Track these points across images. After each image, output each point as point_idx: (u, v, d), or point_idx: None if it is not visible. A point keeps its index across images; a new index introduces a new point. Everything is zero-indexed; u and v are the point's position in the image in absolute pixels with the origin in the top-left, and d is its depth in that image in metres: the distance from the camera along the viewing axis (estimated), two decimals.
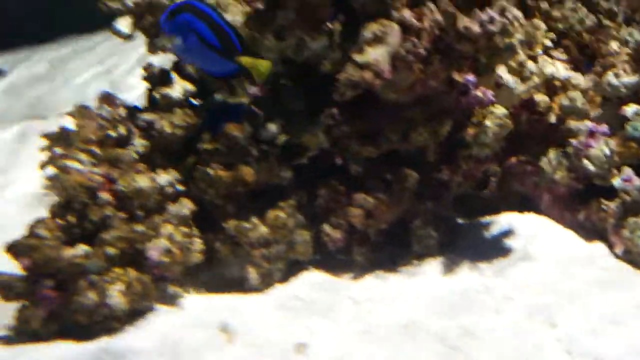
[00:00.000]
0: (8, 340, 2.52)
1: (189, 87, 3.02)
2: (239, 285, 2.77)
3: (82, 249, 2.56)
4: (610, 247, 3.01)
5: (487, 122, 2.96)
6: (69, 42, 7.50)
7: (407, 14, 2.71)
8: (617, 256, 2.95)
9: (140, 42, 3.11)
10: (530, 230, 3.05)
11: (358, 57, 2.65)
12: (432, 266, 2.86)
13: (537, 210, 3.25)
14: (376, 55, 2.66)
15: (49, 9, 7.56)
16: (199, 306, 2.65)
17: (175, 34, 2.72)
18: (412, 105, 2.78)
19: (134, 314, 2.57)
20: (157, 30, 2.95)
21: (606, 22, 3.33)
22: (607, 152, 2.99)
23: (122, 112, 3.07)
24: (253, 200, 2.83)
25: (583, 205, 3.14)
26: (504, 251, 2.95)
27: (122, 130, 3.04)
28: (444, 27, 2.69)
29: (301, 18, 2.76)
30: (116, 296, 2.53)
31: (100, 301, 2.50)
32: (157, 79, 3.05)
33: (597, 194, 3.08)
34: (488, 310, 2.57)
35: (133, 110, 3.07)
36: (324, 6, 2.74)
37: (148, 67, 3.16)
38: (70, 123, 3.17)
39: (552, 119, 3.14)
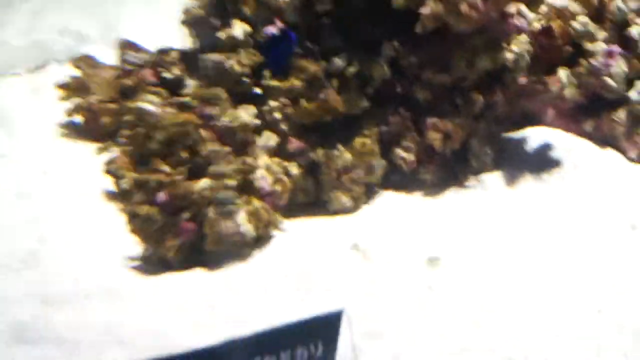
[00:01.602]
0: (147, 270, 3.04)
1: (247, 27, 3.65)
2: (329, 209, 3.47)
3: (206, 182, 3.15)
4: (623, 152, 3.99)
5: (516, 48, 3.84)
6: None
7: None
8: (630, 159, 3.95)
9: None
10: (562, 142, 3.93)
11: None
12: (496, 179, 3.68)
13: (542, 124, 4.11)
14: None
15: None
16: (310, 230, 3.31)
17: None
18: (473, 35, 3.54)
19: (261, 240, 3.20)
20: None
21: None
22: (625, 68, 3.97)
23: (172, 56, 3.70)
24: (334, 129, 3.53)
25: (589, 117, 4.07)
26: (553, 162, 3.81)
27: (176, 71, 3.66)
28: None
29: None
30: (246, 224, 3.17)
31: (234, 230, 3.13)
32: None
33: (602, 107, 4.05)
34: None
35: (187, 54, 3.70)
36: None
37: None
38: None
39: (563, 42, 4.09)
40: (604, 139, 4.07)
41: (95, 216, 3.34)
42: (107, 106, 3.85)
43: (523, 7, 3.67)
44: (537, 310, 2.84)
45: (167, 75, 3.62)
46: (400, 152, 3.57)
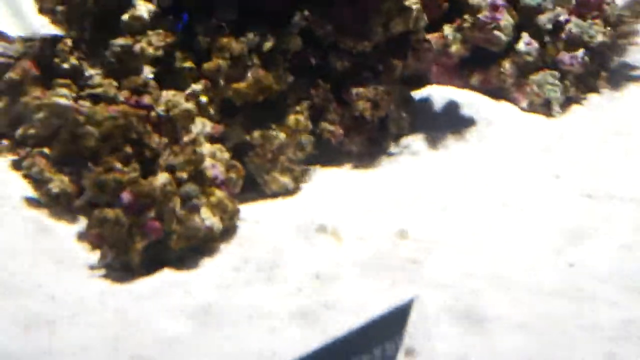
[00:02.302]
0: (114, 275, 2.99)
1: (151, 7, 3.58)
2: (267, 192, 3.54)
3: (164, 176, 3.09)
4: (515, 103, 4.41)
5: (414, 8, 4.05)
6: None
7: None
8: (522, 109, 4.38)
9: None
10: (462, 99, 4.32)
11: None
12: (419, 143, 3.95)
13: (428, 82, 4.40)
14: None
15: None
16: (266, 216, 3.35)
17: None
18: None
19: (227, 232, 3.21)
20: None
21: None
22: (512, 21, 4.34)
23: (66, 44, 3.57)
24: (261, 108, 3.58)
25: (475, 71, 4.45)
26: (467, 121, 4.16)
27: (73, 61, 3.55)
28: None
29: None
30: (212, 217, 3.16)
31: (201, 224, 3.11)
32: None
33: (486, 60, 4.43)
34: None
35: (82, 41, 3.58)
36: None
37: None
38: None
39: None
40: (492, 91, 4.46)
41: (31, 226, 3.22)
42: None
43: None
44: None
45: (64, 65, 3.52)
46: (327, 125, 3.70)
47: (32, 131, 3.44)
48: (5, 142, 3.66)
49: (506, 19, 4.25)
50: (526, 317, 2.70)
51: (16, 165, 3.54)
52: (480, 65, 4.47)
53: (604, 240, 3.26)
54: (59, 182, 3.27)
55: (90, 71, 3.48)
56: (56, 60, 3.53)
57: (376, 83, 3.75)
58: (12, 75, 3.58)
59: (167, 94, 3.32)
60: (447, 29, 4.29)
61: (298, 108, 3.60)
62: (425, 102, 4.31)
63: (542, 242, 3.23)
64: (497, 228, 3.34)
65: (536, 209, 3.49)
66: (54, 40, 3.59)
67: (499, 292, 2.88)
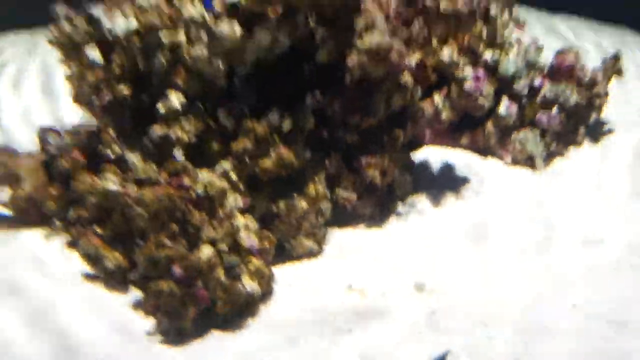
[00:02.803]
0: (170, 340, 3.25)
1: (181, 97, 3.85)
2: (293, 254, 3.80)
3: (208, 249, 3.37)
4: (500, 158, 4.75)
5: (408, 82, 4.36)
6: None
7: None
8: (507, 164, 4.72)
9: None
10: (455, 159, 4.67)
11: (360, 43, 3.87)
12: (424, 203, 4.23)
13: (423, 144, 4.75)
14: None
15: None
16: (296, 278, 3.63)
17: None
18: (384, 80, 3.97)
19: (266, 295, 3.48)
20: None
21: None
22: (492, 88, 4.65)
23: (109, 134, 3.84)
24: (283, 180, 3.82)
25: (463, 133, 4.79)
26: (462, 179, 4.47)
27: (116, 148, 3.82)
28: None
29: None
30: (252, 283, 3.41)
31: (243, 290, 3.36)
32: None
33: (472, 123, 4.76)
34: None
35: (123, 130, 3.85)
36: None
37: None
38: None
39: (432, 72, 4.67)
40: (480, 150, 4.81)
41: (94, 299, 3.49)
42: (49, 191, 3.95)
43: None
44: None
45: (109, 152, 3.78)
46: (342, 192, 3.98)
47: (83, 213, 3.73)
48: (58, 222, 3.94)
49: (487, 88, 4.56)
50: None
51: (71, 244, 3.83)
52: (467, 127, 4.82)
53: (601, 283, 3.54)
54: (113, 259, 3.53)
55: (131, 156, 3.71)
56: (101, 149, 3.78)
57: (382, 152, 4.02)
58: (63, 164, 3.87)
59: (204, 175, 3.57)
60: (437, 98, 4.61)
61: (316, 179, 3.86)
62: (423, 163, 4.62)
63: (542, 287, 3.52)
64: (501, 277, 3.61)
65: (533, 258, 3.77)
66: (98, 131, 3.86)
67: (513, 334, 3.19)
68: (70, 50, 3.85)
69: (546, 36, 7.77)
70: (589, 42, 7.68)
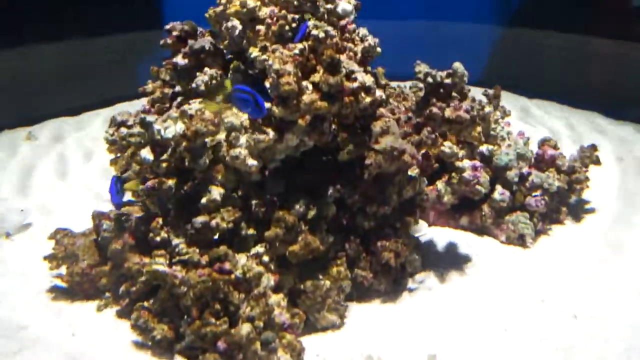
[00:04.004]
0: None
1: (221, 190, 3.94)
2: (317, 326, 3.84)
3: (247, 326, 3.43)
4: (495, 237, 4.85)
5: (415, 174, 4.48)
6: None
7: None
8: (502, 242, 4.82)
9: None
10: (457, 238, 4.79)
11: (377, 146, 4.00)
12: (432, 280, 4.27)
13: (428, 225, 4.94)
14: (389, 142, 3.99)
15: None
16: (319, 348, 3.66)
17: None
18: (397, 173, 4.10)
19: None
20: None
21: None
22: (488, 177, 4.77)
23: (157, 221, 3.93)
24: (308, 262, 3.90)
25: (463, 214, 4.92)
26: (464, 257, 4.56)
27: (163, 234, 3.90)
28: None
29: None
30: (286, 355, 3.46)
31: None
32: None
33: (470, 206, 4.87)
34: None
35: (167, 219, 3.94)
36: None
37: None
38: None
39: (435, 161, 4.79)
40: (477, 229, 4.91)
41: None
42: (102, 269, 4.05)
43: None
44: None
45: (157, 238, 3.86)
46: (360, 272, 4.04)
47: (133, 288, 3.82)
48: (108, 294, 4.05)
49: (484, 176, 4.67)
50: None
51: (120, 314, 3.92)
52: (466, 209, 4.92)
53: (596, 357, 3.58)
54: (161, 330, 3.59)
55: (176, 241, 3.78)
56: (150, 234, 3.87)
57: (396, 237, 4.11)
58: (115, 245, 3.95)
59: (242, 260, 3.65)
60: (440, 184, 4.73)
61: (338, 261, 3.94)
62: (430, 242, 4.71)
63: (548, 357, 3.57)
64: (505, 350, 3.66)
65: (531, 330, 3.81)
66: (147, 218, 3.95)
67: None
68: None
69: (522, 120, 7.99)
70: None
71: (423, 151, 4.49)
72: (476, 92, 4.75)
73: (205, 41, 4.46)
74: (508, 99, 8.20)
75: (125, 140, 4.09)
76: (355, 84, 3.95)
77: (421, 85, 4.53)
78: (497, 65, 9.41)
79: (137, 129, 4.05)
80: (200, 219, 3.76)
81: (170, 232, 3.87)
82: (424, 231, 4.87)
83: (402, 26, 9.62)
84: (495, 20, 10.06)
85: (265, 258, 3.82)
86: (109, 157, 5.27)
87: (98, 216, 4.14)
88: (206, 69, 4.32)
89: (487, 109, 4.87)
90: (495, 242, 4.86)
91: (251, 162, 3.84)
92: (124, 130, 4.25)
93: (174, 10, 9.02)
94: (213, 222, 3.77)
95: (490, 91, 5.42)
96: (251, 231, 3.89)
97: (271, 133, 3.81)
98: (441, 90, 4.45)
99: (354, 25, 4.35)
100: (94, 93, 8.70)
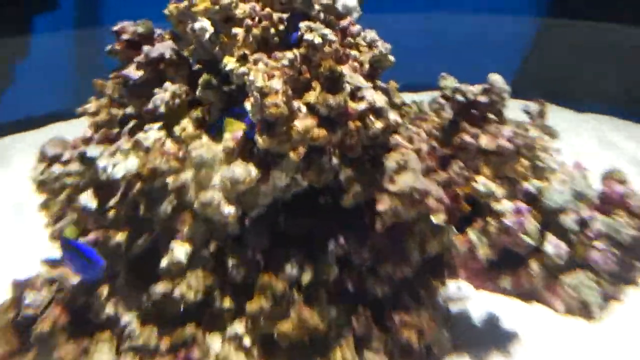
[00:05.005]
0: None
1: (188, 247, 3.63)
2: None
3: None
4: (548, 305, 4.50)
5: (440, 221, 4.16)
6: None
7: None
8: (557, 311, 4.45)
9: None
10: (496, 305, 4.45)
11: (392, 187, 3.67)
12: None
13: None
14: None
15: None
16: None
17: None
18: (418, 221, 3.77)
19: None
20: None
21: None
22: (536, 224, 4.43)
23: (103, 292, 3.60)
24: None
25: (504, 273, 4.59)
26: (509, 334, 4.21)
27: (110, 308, 3.57)
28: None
29: None
30: None
31: None
32: None
33: (513, 261, 4.55)
34: None
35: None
36: None
37: None
38: None
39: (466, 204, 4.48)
40: (524, 294, 4.58)
41: None
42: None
43: None
44: None
45: (100, 314, 3.54)
46: (371, 355, 3.68)
47: None
48: None
49: (531, 222, 4.36)
50: None
51: None
52: (508, 266, 4.60)
53: None
54: None
55: (126, 317, 3.49)
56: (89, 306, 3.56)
57: (419, 308, 3.77)
58: (42, 326, 3.58)
59: (215, 344, 3.40)
60: (472, 234, 4.37)
61: (343, 342, 3.60)
62: (461, 313, 4.38)
63: None
64: None
65: None
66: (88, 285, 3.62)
67: None
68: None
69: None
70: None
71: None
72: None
73: (165, 47, 4.08)
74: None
75: (58, 182, 3.76)
76: (363, 105, 3.60)
77: (443, 101, 4.20)
78: (533, 67, 9.03)
79: (74, 166, 3.72)
80: (159, 288, 3.48)
81: (118, 304, 3.58)
82: (460, 294, 4.54)
83: (409, 20, 9.28)
84: (529, 9, 9.67)
85: (247, 340, 3.50)
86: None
87: (19, 286, 3.76)
88: (167, 83, 3.94)
89: (532, 132, 4.53)
90: (549, 311, 4.50)
91: (227, 209, 3.51)
92: (57, 168, 3.90)
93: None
94: (176, 292, 3.48)
95: (533, 106, 5.01)
96: (227, 303, 3.57)
97: (253, 170, 3.46)
98: (474, 111, 4.12)
99: (358, 27, 3.98)
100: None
